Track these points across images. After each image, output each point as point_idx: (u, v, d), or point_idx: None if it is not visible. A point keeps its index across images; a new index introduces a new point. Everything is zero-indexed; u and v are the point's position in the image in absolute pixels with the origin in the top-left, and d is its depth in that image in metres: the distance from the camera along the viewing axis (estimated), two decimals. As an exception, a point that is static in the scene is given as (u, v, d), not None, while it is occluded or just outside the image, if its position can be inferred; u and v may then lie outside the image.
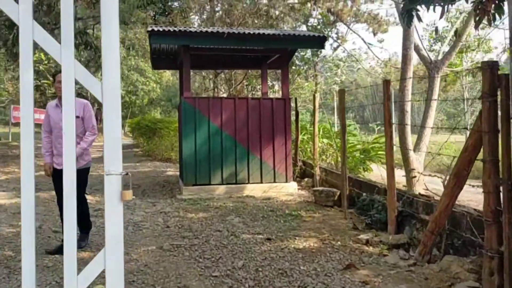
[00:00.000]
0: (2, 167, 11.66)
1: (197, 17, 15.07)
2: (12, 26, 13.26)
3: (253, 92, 19.55)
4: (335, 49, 25.34)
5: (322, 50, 20.49)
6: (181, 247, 4.76)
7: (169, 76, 36.79)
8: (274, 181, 7.98)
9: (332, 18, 19.33)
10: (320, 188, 7.03)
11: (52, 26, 16.40)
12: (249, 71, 16.90)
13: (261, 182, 7.94)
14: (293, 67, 18.10)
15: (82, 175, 4.40)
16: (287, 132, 8.10)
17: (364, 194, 6.10)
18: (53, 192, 5.15)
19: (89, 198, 7.57)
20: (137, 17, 11.41)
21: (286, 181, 8.03)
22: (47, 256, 4.44)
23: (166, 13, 12.28)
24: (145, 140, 16.40)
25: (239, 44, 8.06)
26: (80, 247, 4.55)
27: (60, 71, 4.64)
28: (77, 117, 4.58)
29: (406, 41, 9.75)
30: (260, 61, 9.76)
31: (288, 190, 7.92)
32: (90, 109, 4.69)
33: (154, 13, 12.22)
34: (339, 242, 4.83)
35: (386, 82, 5.26)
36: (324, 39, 8.07)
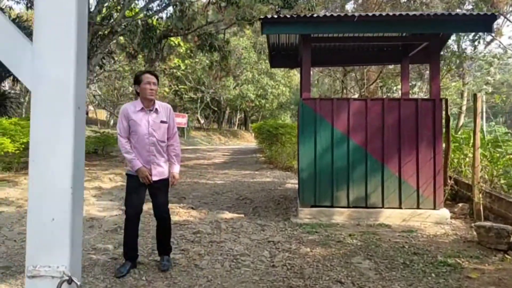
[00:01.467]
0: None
1: (324, 10, 13.59)
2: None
3: (388, 94, 17.44)
4: (488, 43, 21.87)
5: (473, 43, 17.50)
6: (284, 307, 3.36)
7: (299, 79, 36.04)
8: (418, 207, 6.10)
9: (485, 8, 16.34)
10: (488, 224, 4.99)
11: (185, 31, 16.54)
12: (384, 69, 14.87)
13: (400, 207, 6.13)
14: (441, 61, 15.49)
15: (165, 186, 4.12)
16: (436, 143, 6.15)
17: None
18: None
19: (192, 213, 6.63)
20: (259, 12, 10.40)
21: (435, 208, 6.08)
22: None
23: (291, 6, 11.05)
24: (267, 146, 15.43)
25: (374, 31, 6.36)
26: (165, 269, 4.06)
27: (147, 71, 3.80)
28: (164, 122, 4.08)
29: None
30: (400, 54, 7.89)
31: (437, 220, 5.98)
32: (173, 113, 4.14)
33: (277, 7, 11.12)
34: (537, 331, 2.93)
35: None
36: (493, 18, 5.92)
